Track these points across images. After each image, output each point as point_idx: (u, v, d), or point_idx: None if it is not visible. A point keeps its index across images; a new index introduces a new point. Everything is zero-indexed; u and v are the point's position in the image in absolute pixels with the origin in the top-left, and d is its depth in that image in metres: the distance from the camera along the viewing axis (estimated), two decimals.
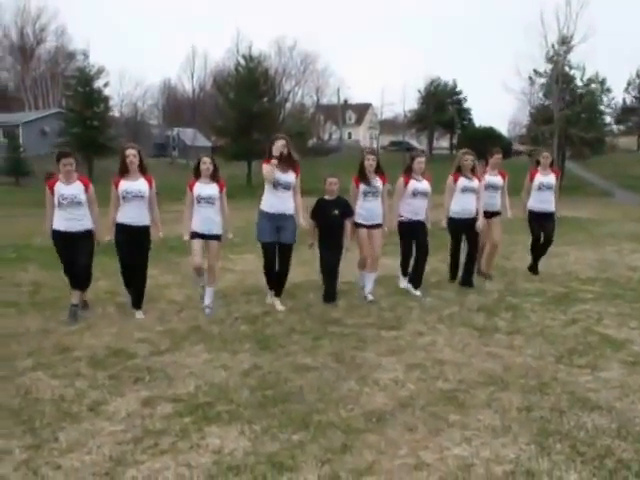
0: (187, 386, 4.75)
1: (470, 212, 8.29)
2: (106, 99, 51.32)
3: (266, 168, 6.98)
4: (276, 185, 7.09)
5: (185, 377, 4.95)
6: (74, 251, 6.81)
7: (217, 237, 7.20)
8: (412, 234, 7.96)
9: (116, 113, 59.52)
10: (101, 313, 7.16)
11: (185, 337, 6.10)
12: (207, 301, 7.21)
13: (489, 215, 8.73)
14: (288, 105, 67.74)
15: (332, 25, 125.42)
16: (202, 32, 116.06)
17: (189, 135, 67.33)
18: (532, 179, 9.22)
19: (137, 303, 7.08)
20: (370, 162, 7.61)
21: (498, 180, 8.91)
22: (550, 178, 9.19)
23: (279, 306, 7.31)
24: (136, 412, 4.26)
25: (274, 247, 7.21)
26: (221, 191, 7.22)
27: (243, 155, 44.79)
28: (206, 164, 7.16)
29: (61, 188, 6.77)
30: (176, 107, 76.15)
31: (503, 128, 76.19)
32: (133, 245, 6.93)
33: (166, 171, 43.88)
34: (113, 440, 3.84)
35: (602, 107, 51.22)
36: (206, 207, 7.10)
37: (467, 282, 8.44)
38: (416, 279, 8.07)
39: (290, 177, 7.13)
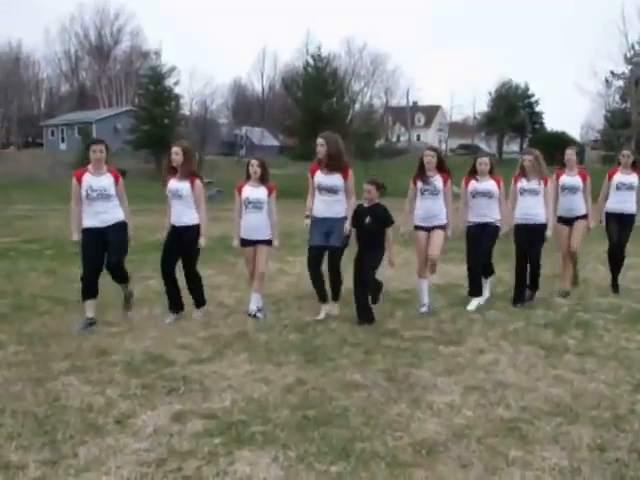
0: (223, 400, 4.40)
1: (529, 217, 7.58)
2: (176, 97, 52.09)
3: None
4: (320, 189, 6.76)
5: (222, 390, 4.60)
6: (103, 250, 6.47)
7: (266, 242, 6.86)
8: (476, 238, 7.42)
9: (186, 111, 60.21)
10: (146, 314, 6.92)
11: (229, 345, 5.77)
12: (252, 306, 6.88)
13: (566, 220, 8.13)
14: (357, 106, 67.32)
15: (403, 25, 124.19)
16: (273, 32, 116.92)
17: (257, 134, 67.65)
18: (610, 179, 8.50)
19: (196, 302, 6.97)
20: (428, 158, 7.14)
21: (576, 180, 8.18)
22: (632, 177, 8.42)
23: (334, 310, 6.96)
24: (164, 428, 3.93)
25: (320, 252, 6.85)
26: (270, 195, 6.86)
27: (310, 155, 44.56)
28: (253, 166, 6.83)
29: (89, 179, 6.42)
30: (245, 106, 76.69)
31: (575, 132, 73.77)
32: (179, 248, 6.70)
33: (233, 169, 44.13)
34: (135, 460, 3.52)
35: None
36: (254, 211, 6.79)
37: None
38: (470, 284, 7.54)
39: (334, 180, 6.76)
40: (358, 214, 6.91)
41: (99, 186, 6.39)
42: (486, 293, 7.66)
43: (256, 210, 6.79)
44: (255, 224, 6.80)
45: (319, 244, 6.81)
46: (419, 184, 7.18)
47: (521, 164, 7.61)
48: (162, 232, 6.87)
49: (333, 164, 6.73)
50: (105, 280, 6.65)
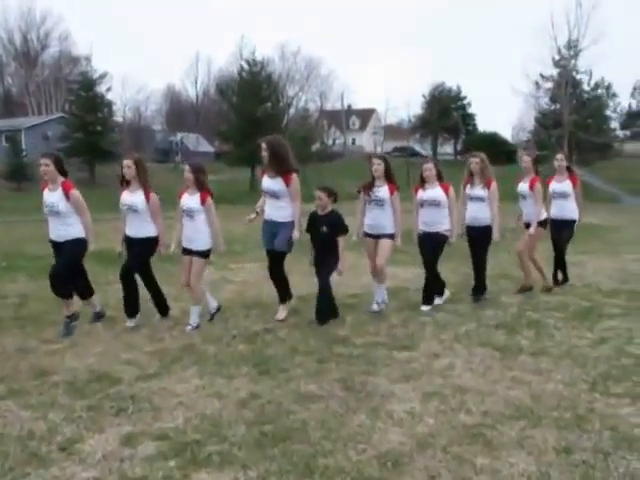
0: (175, 419, 4.17)
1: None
2: (109, 104, 50.83)
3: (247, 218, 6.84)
4: (265, 193, 6.72)
5: (173, 408, 4.37)
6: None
7: (199, 253, 6.58)
8: (424, 247, 7.40)
9: (119, 118, 58.98)
10: (87, 329, 6.59)
11: (177, 359, 5.51)
12: (192, 320, 6.68)
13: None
14: (292, 110, 67.18)
15: (336, 30, 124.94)
16: (206, 37, 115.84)
17: (192, 140, 66.84)
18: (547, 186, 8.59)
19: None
20: (375, 166, 7.05)
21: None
22: (565, 185, 8.54)
23: (281, 314, 6.91)
24: (114, 453, 3.68)
25: (270, 254, 6.89)
26: (203, 203, 6.50)
27: (246, 160, 44.11)
28: (186, 172, 6.56)
29: (45, 194, 6.40)
30: (179, 112, 75.56)
31: (507, 133, 75.37)
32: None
33: (168, 176, 43.36)
34: None
35: (608, 112, 50.61)
36: (187, 220, 6.57)
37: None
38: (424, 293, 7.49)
39: (277, 185, 6.65)
40: (313, 221, 6.86)
41: (50, 202, 6.34)
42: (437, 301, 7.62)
43: (189, 219, 6.55)
44: (188, 233, 6.59)
45: (268, 248, 6.86)
46: (366, 195, 7.11)
47: (468, 167, 7.64)
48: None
49: (275, 168, 6.61)
50: (44, 293, 6.32)
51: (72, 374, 5.11)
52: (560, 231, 8.56)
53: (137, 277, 6.74)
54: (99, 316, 6.93)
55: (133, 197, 6.52)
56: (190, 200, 6.54)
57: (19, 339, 6.23)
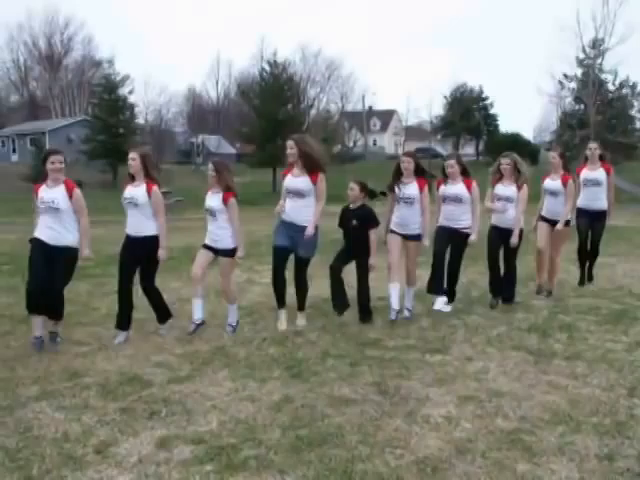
0: (209, 422, 4.14)
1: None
2: (131, 106, 51.20)
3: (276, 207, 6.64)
4: (288, 192, 6.61)
5: (207, 411, 4.34)
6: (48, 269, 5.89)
7: (225, 252, 6.47)
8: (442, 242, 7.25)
9: (141, 120, 59.31)
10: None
11: (208, 361, 5.49)
12: (230, 319, 6.66)
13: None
14: (313, 112, 67.20)
15: (357, 31, 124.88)
16: (227, 39, 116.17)
17: (213, 142, 67.01)
18: (578, 175, 8.45)
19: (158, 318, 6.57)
20: (405, 165, 6.99)
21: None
22: (598, 173, 8.41)
23: (301, 321, 6.81)
24: (150, 456, 3.66)
25: (284, 253, 6.66)
26: (226, 202, 6.36)
27: (268, 162, 44.23)
28: (209, 171, 6.47)
29: (42, 191, 6.00)
30: (201, 114, 75.86)
31: (529, 134, 74.66)
32: (137, 260, 6.27)
33: (190, 178, 43.62)
34: None
35: (633, 112, 49.95)
36: (210, 220, 6.46)
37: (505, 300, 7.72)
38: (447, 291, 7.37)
39: (302, 183, 6.55)
40: (344, 216, 6.95)
41: (49, 198, 5.94)
42: (445, 308, 7.36)
43: (212, 218, 6.43)
44: (211, 233, 6.46)
45: (283, 244, 6.61)
46: (395, 192, 7.03)
47: (497, 167, 7.55)
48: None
49: (303, 165, 6.52)
50: (71, 295, 6.30)
51: (104, 376, 5.10)
52: (591, 222, 8.44)
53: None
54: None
55: (134, 190, 6.21)
56: (212, 199, 6.44)
57: (49, 340, 6.23)
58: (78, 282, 7.68)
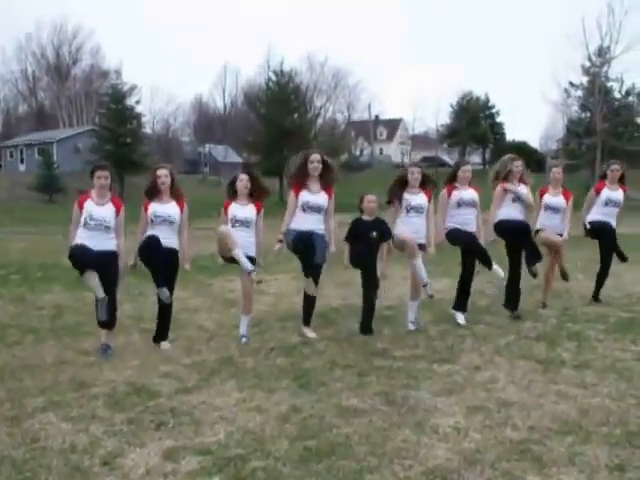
0: (216, 433, 4.12)
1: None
2: (138, 116, 51.56)
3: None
4: (307, 208, 6.58)
5: (214, 422, 4.32)
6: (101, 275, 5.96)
7: (252, 259, 6.50)
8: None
9: (148, 130, 59.65)
10: (124, 342, 6.59)
11: (215, 372, 5.47)
12: (242, 330, 6.64)
13: None
14: (319, 121, 67.33)
15: (364, 40, 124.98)
16: (234, 48, 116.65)
17: (220, 152, 67.28)
18: (598, 193, 8.33)
19: (162, 335, 6.48)
20: (415, 176, 6.97)
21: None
22: (619, 194, 8.31)
23: (310, 333, 6.76)
24: (157, 467, 3.64)
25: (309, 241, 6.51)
26: (258, 213, 6.60)
27: (275, 171, 44.35)
28: (243, 181, 6.54)
29: (91, 207, 6.07)
30: (207, 124, 76.15)
31: (535, 142, 74.59)
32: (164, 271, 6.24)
33: (197, 188, 43.75)
34: None
35: (639, 120, 49.85)
36: (242, 230, 6.48)
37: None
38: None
39: (322, 199, 6.66)
40: (359, 227, 6.88)
41: (101, 216, 6.05)
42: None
43: (245, 228, 6.51)
44: (242, 243, 6.41)
45: (301, 248, 6.55)
46: (398, 203, 7.00)
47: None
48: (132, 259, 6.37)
49: (325, 182, 6.67)
50: (78, 305, 6.31)
51: (111, 386, 5.09)
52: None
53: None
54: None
55: (169, 208, 6.32)
56: (245, 210, 6.55)
57: (57, 350, 6.24)
58: (85, 292, 7.70)
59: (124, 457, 3.78)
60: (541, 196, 8.03)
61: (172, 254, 6.31)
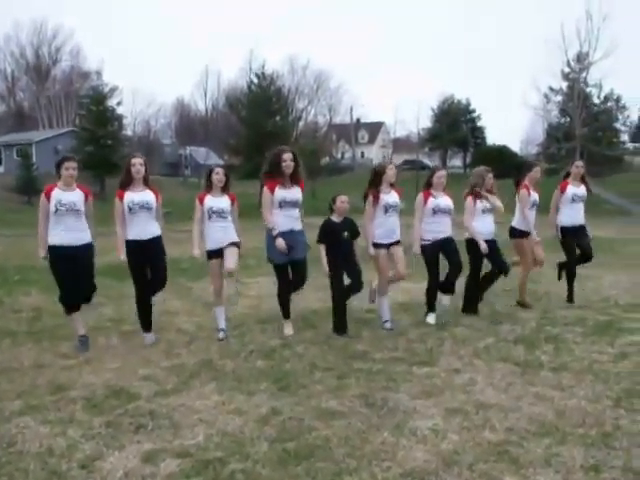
0: (196, 436, 4.12)
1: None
2: (119, 118, 51.22)
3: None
4: (284, 205, 6.65)
5: (194, 424, 4.31)
6: (76, 271, 6.17)
7: (235, 244, 6.70)
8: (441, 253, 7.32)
9: (129, 132, 59.30)
10: (104, 344, 6.56)
11: (195, 374, 5.46)
12: (220, 324, 6.78)
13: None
14: (301, 124, 67.35)
15: (345, 43, 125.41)
16: (216, 50, 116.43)
17: (202, 154, 66.94)
18: (563, 191, 8.52)
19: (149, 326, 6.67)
20: (393, 172, 7.14)
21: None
22: (582, 189, 8.58)
23: (288, 329, 6.91)
24: (136, 470, 3.63)
25: (287, 267, 6.77)
26: (232, 204, 6.79)
27: (256, 174, 44.13)
28: (219, 174, 6.74)
29: (58, 194, 6.13)
30: (189, 126, 75.74)
31: (515, 146, 75.08)
32: (149, 261, 6.40)
33: (178, 190, 43.57)
34: None
35: (618, 125, 50.55)
36: (219, 222, 6.64)
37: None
38: (447, 285, 7.49)
39: (298, 194, 6.76)
40: (331, 229, 6.91)
41: (69, 201, 6.15)
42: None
43: (221, 220, 6.68)
44: (219, 235, 6.67)
45: (284, 260, 6.67)
46: (376, 202, 7.05)
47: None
48: (121, 253, 6.38)
49: (297, 177, 6.74)
50: (56, 308, 6.26)
51: (89, 389, 5.07)
52: (583, 236, 8.55)
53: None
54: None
55: (145, 195, 6.39)
56: (221, 201, 6.72)
57: (35, 353, 6.20)
58: None
59: (103, 460, 3.77)
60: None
61: (157, 240, 6.48)
